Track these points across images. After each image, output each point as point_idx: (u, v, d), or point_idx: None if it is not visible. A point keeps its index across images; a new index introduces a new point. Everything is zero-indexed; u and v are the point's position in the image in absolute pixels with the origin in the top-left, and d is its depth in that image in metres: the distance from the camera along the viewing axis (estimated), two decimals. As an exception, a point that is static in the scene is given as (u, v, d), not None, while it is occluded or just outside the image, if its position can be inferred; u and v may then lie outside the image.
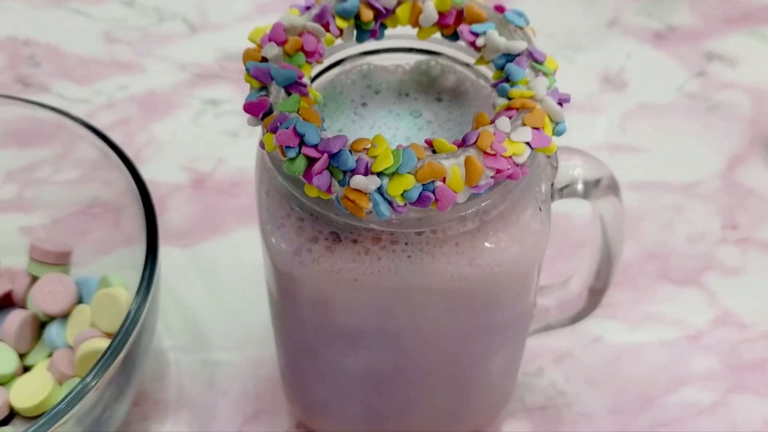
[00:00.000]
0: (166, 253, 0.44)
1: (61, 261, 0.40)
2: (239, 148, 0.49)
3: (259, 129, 0.49)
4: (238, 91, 0.52)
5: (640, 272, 0.43)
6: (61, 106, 0.50)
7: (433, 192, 0.25)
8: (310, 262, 0.28)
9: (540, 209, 0.29)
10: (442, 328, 0.31)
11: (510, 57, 0.29)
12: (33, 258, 0.39)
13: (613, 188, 0.32)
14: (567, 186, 0.32)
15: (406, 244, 0.28)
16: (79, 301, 0.39)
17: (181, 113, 0.51)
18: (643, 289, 0.43)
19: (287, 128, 0.26)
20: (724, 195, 0.47)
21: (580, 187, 0.32)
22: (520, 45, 0.29)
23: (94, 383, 0.31)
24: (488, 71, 0.31)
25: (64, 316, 0.38)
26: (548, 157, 0.31)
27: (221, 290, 0.43)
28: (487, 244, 0.28)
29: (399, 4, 0.30)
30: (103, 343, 0.35)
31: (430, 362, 0.32)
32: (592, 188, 0.32)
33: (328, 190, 0.26)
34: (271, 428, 0.38)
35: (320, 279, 0.28)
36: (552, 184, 0.31)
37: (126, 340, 0.32)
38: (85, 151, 0.40)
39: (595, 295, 0.36)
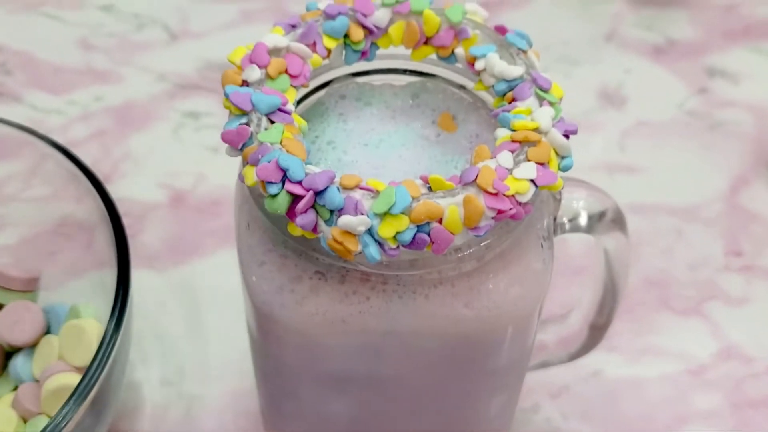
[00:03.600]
0: (141, 276, 0.41)
1: (28, 288, 0.37)
2: (221, 164, 0.46)
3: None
4: (220, 104, 0.49)
5: (640, 301, 0.41)
6: (34, 116, 0.48)
7: (429, 234, 0.23)
8: (292, 304, 0.26)
9: (542, 246, 0.27)
10: (435, 373, 0.28)
11: (512, 83, 0.26)
12: (-2, 284, 0.37)
13: (619, 222, 0.30)
14: (570, 220, 0.30)
15: (398, 284, 0.26)
16: (47, 331, 0.36)
17: (159, 126, 0.48)
18: (643, 319, 0.41)
19: (269, 162, 0.24)
20: (726, 219, 0.45)
21: (583, 221, 0.30)
22: (521, 70, 0.26)
23: (64, 424, 0.29)
24: (488, 96, 0.28)
25: (32, 347, 0.36)
26: (551, 189, 0.28)
27: (200, 317, 0.41)
28: (485, 286, 0.26)
29: (392, 22, 0.28)
30: (72, 379, 0.33)
31: (421, 407, 0.30)
32: (596, 222, 0.30)
33: (314, 230, 0.24)
34: (250, 469, 0.36)
35: (304, 321, 0.26)
36: (555, 219, 0.29)
37: (97, 377, 0.30)
38: (55, 168, 0.37)
39: (597, 332, 0.34)
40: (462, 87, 0.29)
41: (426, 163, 0.27)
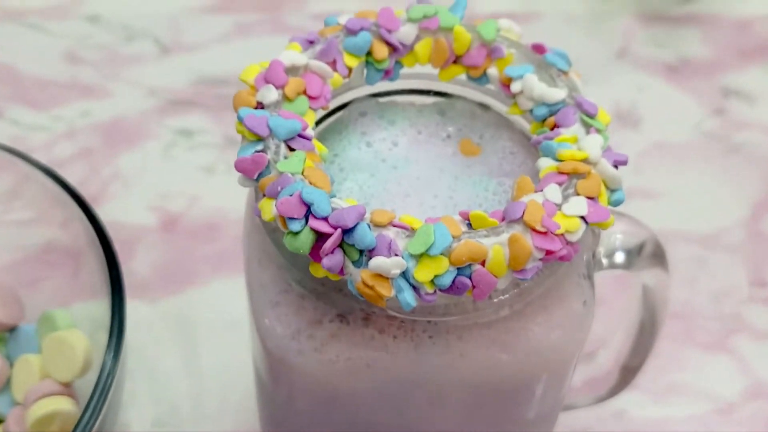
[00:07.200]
0: (131, 307, 0.38)
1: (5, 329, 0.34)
2: (216, 184, 0.44)
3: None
4: (214, 121, 0.47)
5: (663, 335, 0.39)
6: (16, 133, 0.46)
7: (470, 277, 0.21)
8: (311, 351, 0.23)
9: (583, 286, 0.25)
10: (463, 422, 0.26)
11: (553, 107, 0.24)
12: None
13: (659, 256, 0.28)
14: (607, 256, 0.27)
15: (428, 322, 0.23)
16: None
17: (150, 144, 0.46)
18: (667, 354, 0.38)
19: (290, 195, 0.21)
20: (749, 247, 0.43)
21: (620, 257, 0.27)
22: (564, 94, 0.24)
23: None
24: (522, 122, 0.26)
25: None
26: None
27: (196, 351, 0.38)
28: (523, 330, 0.24)
29: (418, 39, 0.26)
30: (60, 403, 0.31)
31: (445, 459, 0.27)
32: (635, 257, 0.28)
33: (340, 272, 0.21)
34: None
35: (323, 369, 0.24)
36: (593, 254, 0.26)
37: (97, 415, 0.28)
38: (38, 190, 0.35)
39: (628, 374, 0.31)
40: (485, 106, 0.27)
41: (454, 184, 0.25)
